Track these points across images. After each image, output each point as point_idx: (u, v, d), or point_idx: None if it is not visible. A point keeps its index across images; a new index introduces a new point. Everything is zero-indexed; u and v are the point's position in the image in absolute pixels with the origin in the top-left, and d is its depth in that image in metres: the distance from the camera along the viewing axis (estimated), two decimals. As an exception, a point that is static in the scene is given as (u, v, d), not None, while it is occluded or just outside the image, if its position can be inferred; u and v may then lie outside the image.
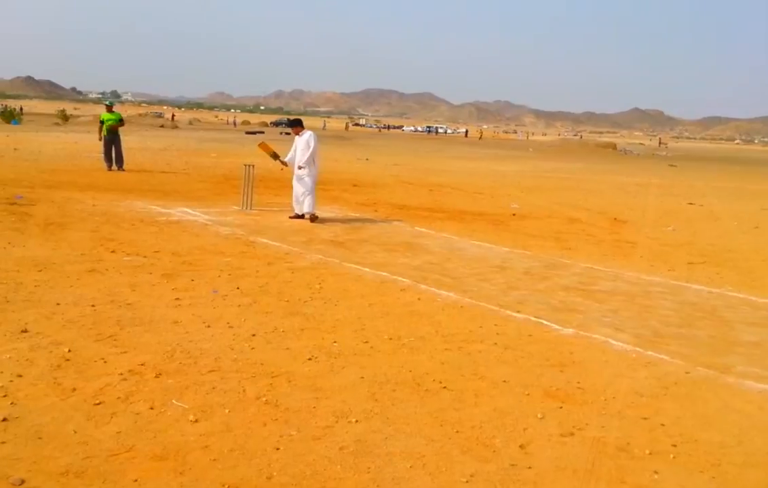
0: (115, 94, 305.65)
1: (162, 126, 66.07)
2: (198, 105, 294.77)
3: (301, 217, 12.61)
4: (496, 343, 6.08)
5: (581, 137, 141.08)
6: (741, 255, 11.56)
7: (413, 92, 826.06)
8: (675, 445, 4.30)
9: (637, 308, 7.64)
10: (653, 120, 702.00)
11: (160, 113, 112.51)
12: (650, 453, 4.16)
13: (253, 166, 13.92)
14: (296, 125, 13.22)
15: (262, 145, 14.17)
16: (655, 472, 3.94)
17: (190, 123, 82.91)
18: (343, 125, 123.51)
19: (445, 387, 5.00)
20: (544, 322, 6.82)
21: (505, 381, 5.20)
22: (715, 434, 4.50)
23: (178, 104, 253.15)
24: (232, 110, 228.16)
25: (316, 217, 12.53)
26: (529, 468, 3.91)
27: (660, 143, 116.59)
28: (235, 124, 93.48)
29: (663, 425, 4.59)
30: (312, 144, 12.74)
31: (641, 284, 8.91)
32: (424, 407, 4.64)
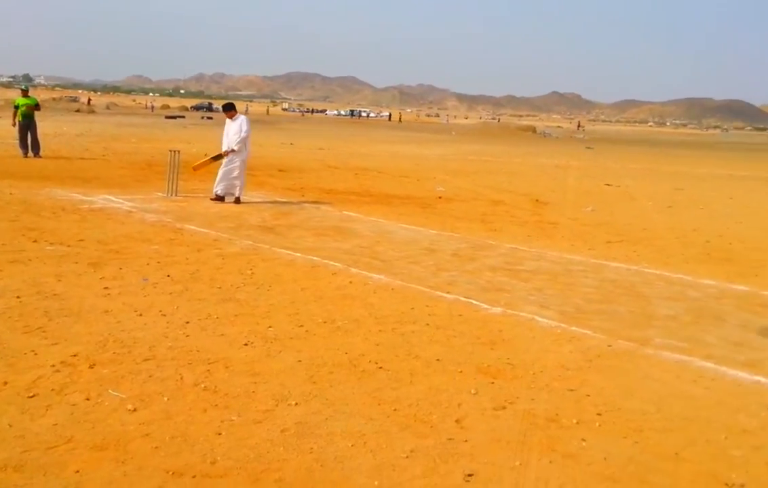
0: (27, 78, 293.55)
1: (78, 111, 64.16)
2: (115, 89, 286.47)
3: (222, 199, 12.60)
4: (428, 324, 6.23)
5: (499, 120, 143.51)
6: (656, 234, 12.07)
7: (337, 76, 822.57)
8: (600, 414, 4.53)
9: (561, 286, 7.93)
10: (571, 103, 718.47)
11: (76, 97, 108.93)
12: (577, 423, 4.38)
13: (179, 151, 13.71)
14: (230, 109, 13.24)
15: (198, 167, 13.81)
16: (583, 440, 4.15)
17: (108, 107, 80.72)
18: (265, 109, 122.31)
19: (381, 368, 5.12)
20: (474, 302, 7.01)
21: (438, 360, 5.35)
22: (637, 402, 4.75)
23: (94, 88, 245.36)
24: (151, 94, 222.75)
25: (240, 201, 12.58)
26: (466, 441, 4.06)
27: (579, 126, 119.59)
28: (152, 108, 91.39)
29: (588, 396, 4.82)
30: (245, 128, 12.88)
31: (563, 263, 9.23)
32: (361, 387, 4.75)
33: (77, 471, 3.50)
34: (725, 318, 6.92)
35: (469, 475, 3.69)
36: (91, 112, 65.16)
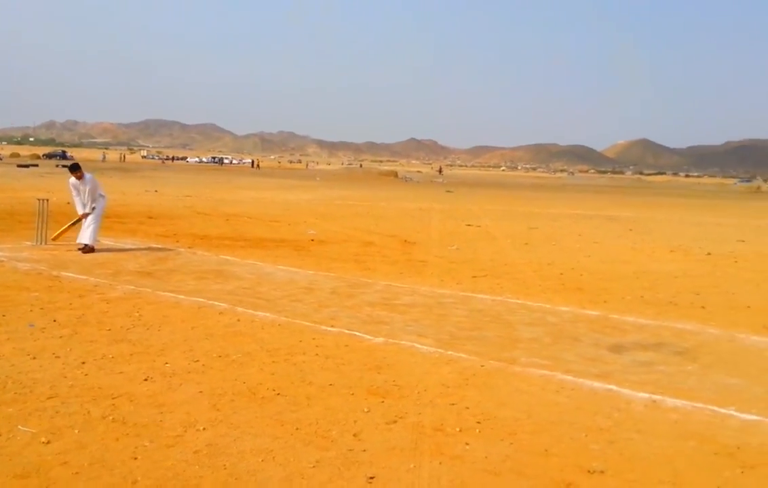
0: None
1: None
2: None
3: (83, 247, 12.40)
4: (317, 354, 6.65)
5: (361, 166, 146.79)
6: (516, 268, 13.06)
7: (196, 123, 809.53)
8: (479, 422, 5.11)
9: (435, 317, 8.56)
10: (428, 149, 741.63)
11: None
12: (460, 430, 4.93)
13: (47, 200, 13.46)
14: (76, 170, 13.09)
15: (57, 237, 13.18)
16: (466, 444, 4.70)
17: (-51, 156, 75.76)
18: (119, 156, 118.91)
19: (278, 394, 5.49)
20: (357, 334, 7.50)
21: (331, 385, 5.78)
22: (510, 411, 5.38)
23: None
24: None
25: (92, 249, 12.47)
26: (364, 450, 4.51)
27: (440, 171, 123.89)
28: (0, 157, 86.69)
29: (468, 408, 5.40)
30: (95, 184, 13.12)
31: (435, 296, 9.90)
32: (263, 412, 5.11)
33: (3, 499, 3.67)
34: (580, 339, 7.76)
35: (371, 478, 4.14)
36: (-68, 161, 61.13)
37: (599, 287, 11.29)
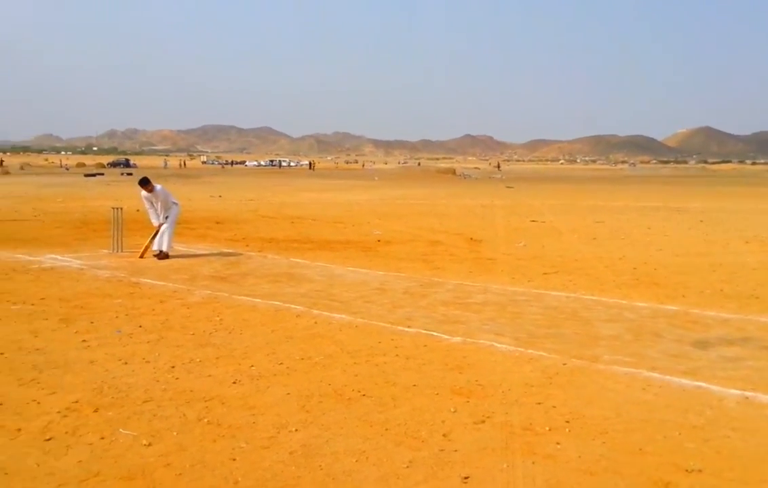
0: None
1: (-9, 173, 62.31)
2: (24, 148, 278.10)
3: (158, 254, 12.73)
4: (397, 355, 6.70)
5: (419, 164, 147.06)
6: (587, 264, 12.91)
7: (253, 127, 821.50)
8: (568, 421, 5.08)
9: (510, 315, 8.53)
10: (484, 145, 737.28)
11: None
12: (549, 430, 4.91)
13: (121, 208, 13.85)
14: (146, 184, 13.30)
15: (143, 253, 13.07)
16: (557, 443, 4.68)
17: (22, 168, 78.73)
18: (179, 163, 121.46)
19: (364, 395, 5.56)
20: (434, 334, 7.52)
21: (415, 385, 5.82)
22: (598, 410, 5.33)
23: (2, 148, 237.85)
24: (63, 152, 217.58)
25: (167, 256, 12.77)
26: (456, 451, 4.53)
27: (498, 167, 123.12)
28: (67, 167, 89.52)
29: (554, 407, 5.37)
30: (166, 194, 13.44)
31: (508, 294, 9.86)
32: (351, 413, 5.17)
33: (114, 500, 3.82)
34: (662, 335, 7.63)
35: (466, 478, 4.16)
36: (6, 173, 63.51)
37: (675, 281, 11.07)
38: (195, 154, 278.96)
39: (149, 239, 13.14)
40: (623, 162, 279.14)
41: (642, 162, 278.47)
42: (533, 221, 21.82)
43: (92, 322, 7.73)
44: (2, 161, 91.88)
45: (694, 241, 16.99)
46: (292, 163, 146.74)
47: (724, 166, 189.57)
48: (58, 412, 5.03)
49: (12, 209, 23.14)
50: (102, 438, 4.60)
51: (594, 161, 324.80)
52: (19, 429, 4.71)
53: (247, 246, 14.87)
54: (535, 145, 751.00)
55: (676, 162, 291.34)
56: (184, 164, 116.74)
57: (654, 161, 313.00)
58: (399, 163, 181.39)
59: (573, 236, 17.79)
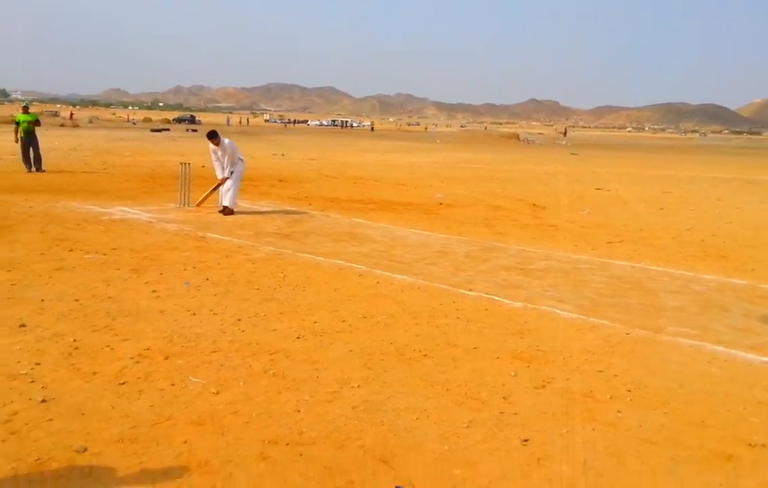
0: (4, 93, 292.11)
1: (62, 125, 64.11)
2: (93, 102, 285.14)
3: (223, 210, 12.98)
4: (458, 317, 6.74)
5: (486, 128, 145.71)
6: (652, 234, 12.68)
7: (315, 86, 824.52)
8: (629, 390, 5.06)
9: (572, 283, 8.47)
10: (549, 110, 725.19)
11: (56, 112, 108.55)
12: (611, 398, 4.90)
13: (189, 164, 14.14)
14: (214, 137, 13.49)
15: (201, 202, 13.60)
16: (618, 411, 4.68)
17: (91, 121, 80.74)
18: (243, 120, 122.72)
19: (425, 355, 5.63)
20: (495, 298, 7.53)
21: (475, 348, 5.86)
22: (661, 381, 5.29)
23: (71, 102, 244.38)
24: (130, 107, 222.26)
25: (232, 212, 13.00)
26: (515, 413, 4.57)
27: (564, 133, 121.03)
28: (134, 122, 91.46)
29: (616, 375, 5.35)
30: (233, 149, 13.59)
31: (571, 262, 9.77)
32: (412, 372, 5.25)
33: (185, 442, 3.98)
34: (729, 309, 7.48)
35: (525, 440, 4.20)
36: (75, 126, 65.19)
37: (745, 254, 10.80)
38: (258, 112, 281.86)
39: (210, 189, 13.42)
40: (693, 131, 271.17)
41: (713, 132, 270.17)
42: (598, 189, 21.46)
43: (161, 274, 7.97)
44: (72, 114, 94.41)
45: (766, 214, 16.48)
46: (354, 124, 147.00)
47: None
48: (131, 358, 5.24)
49: (82, 161, 23.83)
50: (172, 385, 4.78)
51: (663, 129, 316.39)
52: (95, 373, 4.93)
53: (310, 204, 15.04)
54: (601, 111, 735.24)
55: (750, 133, 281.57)
56: (248, 121, 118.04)
57: (726, 131, 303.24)
58: (461, 126, 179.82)
59: (639, 205, 17.46)
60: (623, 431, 4.38)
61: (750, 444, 4.26)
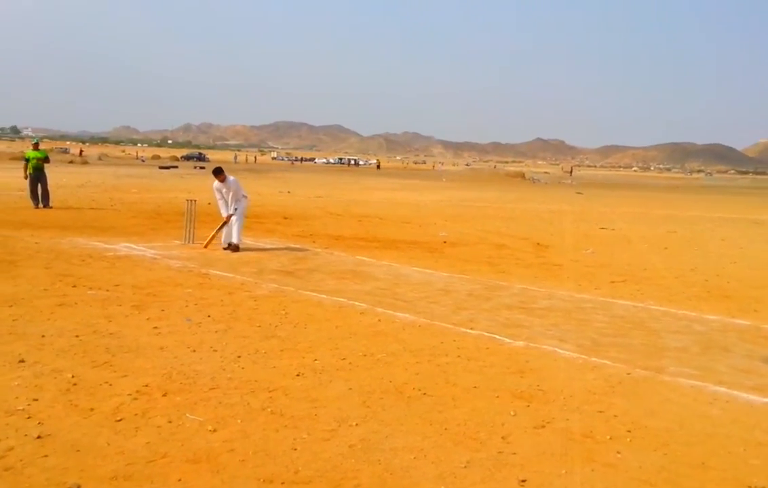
0: (15, 130, 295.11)
1: (71, 162, 64.64)
2: (103, 140, 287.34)
3: (228, 246, 13.05)
4: (459, 356, 6.72)
5: (495, 167, 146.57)
6: (656, 274, 12.65)
7: (323, 124, 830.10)
8: (629, 431, 5.02)
9: (575, 322, 8.44)
10: (555, 149, 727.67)
11: (66, 149, 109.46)
12: (610, 438, 4.87)
13: (195, 200, 14.22)
14: (219, 173, 13.60)
15: (208, 243, 13.35)
16: (618, 452, 4.64)
17: (100, 158, 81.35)
18: (249, 158, 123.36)
19: (425, 394, 5.60)
20: (497, 337, 7.51)
21: (475, 387, 5.84)
22: (661, 421, 5.25)
23: (81, 139, 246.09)
24: (139, 145, 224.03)
25: (237, 248, 13.05)
26: (514, 453, 4.54)
27: (570, 172, 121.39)
28: (143, 159, 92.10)
29: (616, 416, 5.31)
30: (237, 186, 13.70)
31: (574, 301, 9.75)
32: (411, 410, 5.23)
33: (180, 480, 3.96)
34: (731, 349, 7.45)
35: (523, 481, 4.16)
36: (85, 163, 65.67)
37: (748, 295, 10.77)
38: (266, 150, 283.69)
39: (215, 230, 13.44)
40: (699, 171, 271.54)
41: (719, 171, 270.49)
42: (603, 228, 21.46)
43: (163, 310, 7.98)
44: (82, 151, 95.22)
45: (771, 254, 16.44)
46: (360, 162, 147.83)
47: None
48: (129, 395, 5.23)
49: (90, 198, 23.99)
50: (170, 422, 4.77)
51: (669, 169, 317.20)
52: (92, 409, 4.92)
53: (314, 242, 15.07)
54: (607, 150, 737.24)
55: (755, 173, 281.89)
56: (255, 159, 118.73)
57: (732, 171, 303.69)
58: (465, 165, 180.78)
59: (643, 245, 17.44)
60: (622, 472, 4.34)
61: (750, 487, 4.22)
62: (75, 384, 5.40)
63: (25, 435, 4.43)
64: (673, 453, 4.67)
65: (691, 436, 4.99)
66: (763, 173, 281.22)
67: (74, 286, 9.03)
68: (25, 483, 3.83)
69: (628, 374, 6.39)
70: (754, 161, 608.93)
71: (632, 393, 5.87)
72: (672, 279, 12.07)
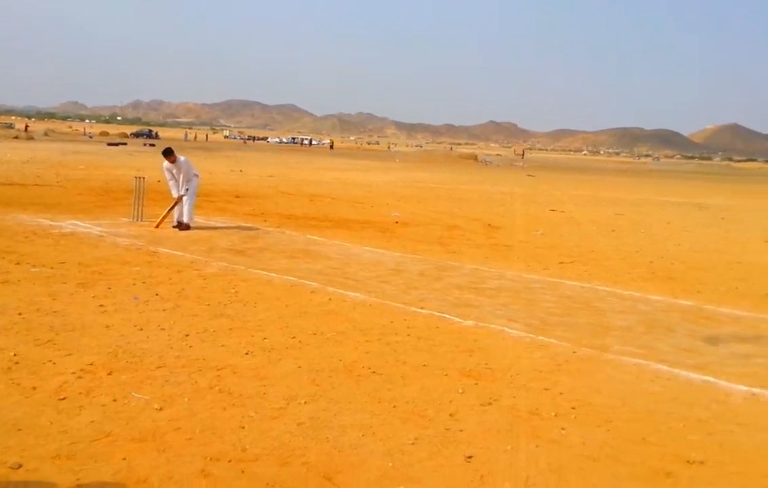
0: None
1: (16, 137, 62.99)
2: (50, 115, 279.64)
3: (178, 225, 12.89)
4: (409, 335, 6.76)
5: (452, 149, 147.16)
6: (603, 255, 12.88)
7: (277, 104, 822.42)
8: (574, 408, 5.11)
9: (523, 302, 8.55)
10: (508, 132, 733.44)
11: (11, 124, 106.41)
12: (555, 415, 4.95)
13: (144, 178, 13.98)
14: (170, 154, 13.38)
15: (159, 223, 13.05)
16: (562, 428, 4.72)
17: (46, 134, 79.35)
18: (184, 135, 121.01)
19: (374, 372, 5.62)
20: (447, 316, 7.57)
21: (424, 365, 5.88)
22: (604, 399, 5.36)
23: (27, 114, 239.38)
24: (87, 121, 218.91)
25: (188, 227, 12.93)
26: (461, 430, 4.59)
27: (522, 155, 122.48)
28: (91, 135, 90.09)
29: (561, 393, 5.41)
30: (189, 166, 13.52)
31: (523, 281, 9.87)
32: (360, 389, 5.24)
33: (124, 459, 3.91)
34: (674, 329, 7.63)
35: (469, 457, 4.21)
36: (30, 138, 63.99)
37: (691, 277, 11.04)
38: (218, 128, 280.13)
39: (167, 210, 13.24)
40: (647, 155, 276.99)
41: (666, 156, 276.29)
42: (552, 210, 21.75)
43: (110, 288, 7.85)
44: (27, 126, 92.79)
45: (714, 237, 16.89)
46: (313, 142, 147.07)
47: (749, 165, 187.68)
48: (73, 373, 5.14)
49: (35, 174, 23.38)
50: (114, 401, 4.70)
51: (618, 153, 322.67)
52: (35, 388, 4.82)
53: (266, 221, 14.96)
54: (559, 134, 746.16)
55: (701, 158, 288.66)
56: (195, 137, 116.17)
57: (678, 156, 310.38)
58: (416, 146, 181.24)
59: (592, 227, 17.74)
60: (566, 448, 4.43)
61: (688, 462, 4.34)
62: (17, 363, 5.28)
63: (-36, 414, 4.33)
64: (615, 429, 4.77)
65: (633, 413, 5.10)
66: (709, 159, 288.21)
67: (17, 263, 8.81)
68: (-37, 462, 3.74)
69: (574, 352, 6.50)
70: (700, 147, 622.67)
71: (577, 371, 5.98)
72: (618, 261, 12.30)
